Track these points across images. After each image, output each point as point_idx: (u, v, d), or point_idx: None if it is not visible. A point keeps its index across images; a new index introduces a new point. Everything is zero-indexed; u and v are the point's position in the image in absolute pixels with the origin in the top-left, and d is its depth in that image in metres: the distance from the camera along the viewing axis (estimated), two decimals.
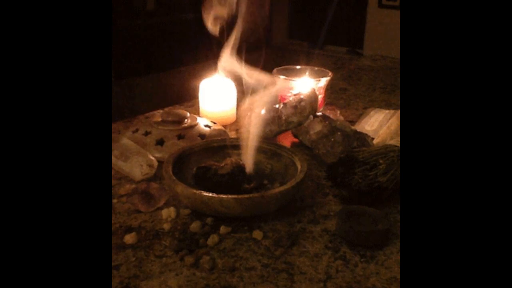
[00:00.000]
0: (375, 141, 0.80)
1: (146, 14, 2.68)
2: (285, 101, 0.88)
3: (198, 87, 0.95)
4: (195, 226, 0.59)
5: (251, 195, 0.59)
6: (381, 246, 0.56)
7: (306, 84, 0.94)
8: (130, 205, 0.64)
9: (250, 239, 0.57)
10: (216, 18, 0.71)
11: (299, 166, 0.66)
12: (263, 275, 0.51)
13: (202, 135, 0.80)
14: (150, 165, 0.72)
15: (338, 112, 0.97)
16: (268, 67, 0.82)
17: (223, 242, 0.57)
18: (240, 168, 0.66)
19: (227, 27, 0.71)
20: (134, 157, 0.72)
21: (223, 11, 0.70)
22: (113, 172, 0.72)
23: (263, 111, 0.83)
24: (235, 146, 0.73)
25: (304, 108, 0.85)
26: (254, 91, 0.72)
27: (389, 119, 0.91)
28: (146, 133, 0.80)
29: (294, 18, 3.31)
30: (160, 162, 0.72)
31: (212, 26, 0.72)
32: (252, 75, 0.71)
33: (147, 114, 0.98)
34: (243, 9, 0.68)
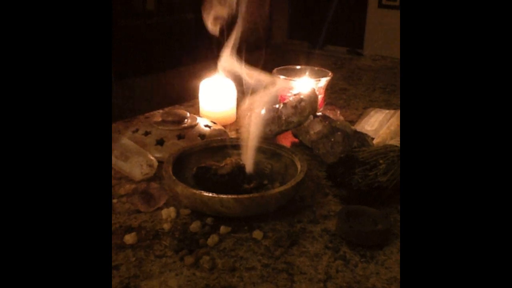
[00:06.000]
0: (375, 141, 0.80)
1: (146, 14, 2.68)
2: (285, 101, 0.88)
3: (198, 87, 0.95)
4: (195, 226, 0.59)
5: (251, 195, 0.59)
6: (381, 246, 0.56)
7: (306, 84, 0.94)
8: (130, 205, 0.64)
9: (250, 239, 0.57)
10: (216, 18, 0.71)
11: (299, 166, 0.66)
12: (263, 275, 0.51)
13: (202, 135, 0.80)
14: (150, 165, 0.72)
15: (338, 112, 0.97)
16: (268, 67, 0.82)
17: (223, 242, 0.57)
18: (240, 168, 0.66)
19: (227, 27, 0.71)
20: (134, 157, 0.72)
21: (223, 11, 0.70)
22: (113, 172, 0.72)
23: (263, 111, 0.83)
24: (235, 146, 0.72)
25: (304, 108, 0.85)
26: (254, 91, 0.72)
27: (389, 119, 0.91)
28: (146, 133, 0.80)
29: (294, 18, 3.31)
30: (160, 162, 0.72)
31: (212, 26, 0.72)
32: (252, 75, 0.71)
33: (147, 114, 0.98)
34: (243, 9, 0.68)
